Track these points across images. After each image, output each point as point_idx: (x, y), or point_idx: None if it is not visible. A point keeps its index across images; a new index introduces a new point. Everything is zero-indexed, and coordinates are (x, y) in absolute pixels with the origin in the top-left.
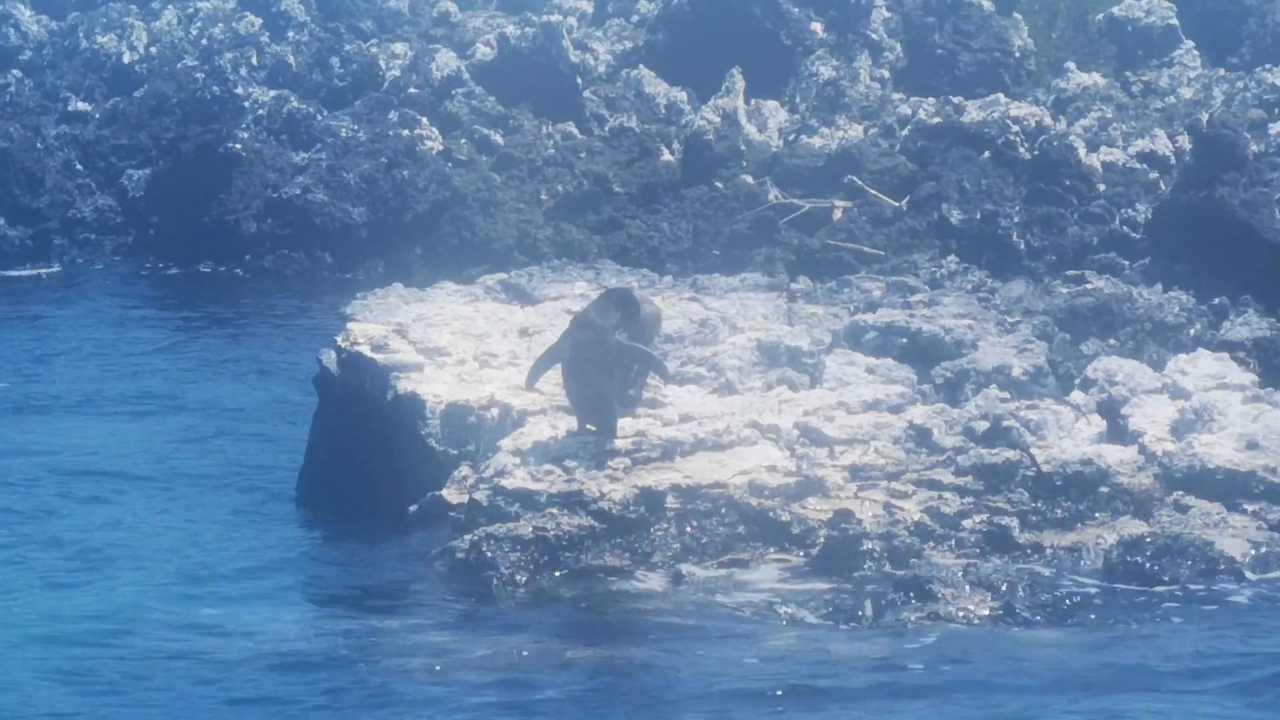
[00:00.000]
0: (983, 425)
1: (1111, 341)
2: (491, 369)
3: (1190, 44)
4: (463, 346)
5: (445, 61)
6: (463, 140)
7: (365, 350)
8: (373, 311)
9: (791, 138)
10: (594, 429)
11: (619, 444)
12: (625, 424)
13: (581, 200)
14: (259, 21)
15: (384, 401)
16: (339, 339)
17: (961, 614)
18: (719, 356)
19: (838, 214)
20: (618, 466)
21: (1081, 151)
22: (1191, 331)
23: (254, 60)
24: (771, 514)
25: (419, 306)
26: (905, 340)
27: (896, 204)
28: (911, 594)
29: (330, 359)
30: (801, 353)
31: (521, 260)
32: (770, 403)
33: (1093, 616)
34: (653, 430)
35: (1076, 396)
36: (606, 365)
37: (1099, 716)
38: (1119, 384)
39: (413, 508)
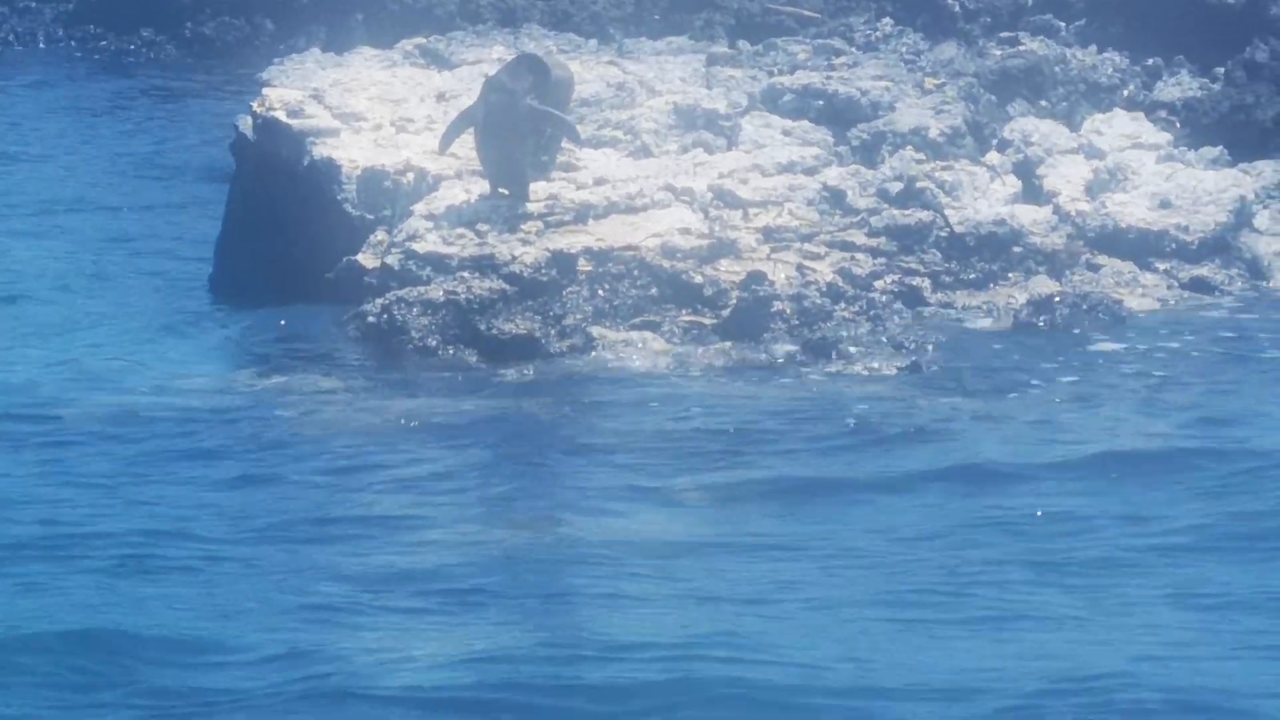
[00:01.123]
0: (897, 186)
1: (1043, 103)
2: (408, 134)
3: None
4: (379, 111)
5: None
6: None
7: (281, 116)
8: (289, 77)
9: None
10: (506, 193)
11: (531, 207)
12: (538, 187)
13: None
14: None
15: (300, 167)
16: (254, 105)
17: (869, 372)
18: (635, 120)
19: None
20: (530, 230)
21: None
22: (1125, 92)
23: None
24: (684, 276)
25: (336, 72)
26: (822, 102)
27: None
28: (820, 353)
29: (246, 125)
30: (718, 115)
31: (463, 25)
32: (685, 165)
33: (997, 374)
34: (566, 193)
35: (993, 157)
36: (518, 129)
37: (980, 467)
38: (1035, 144)
39: (329, 274)
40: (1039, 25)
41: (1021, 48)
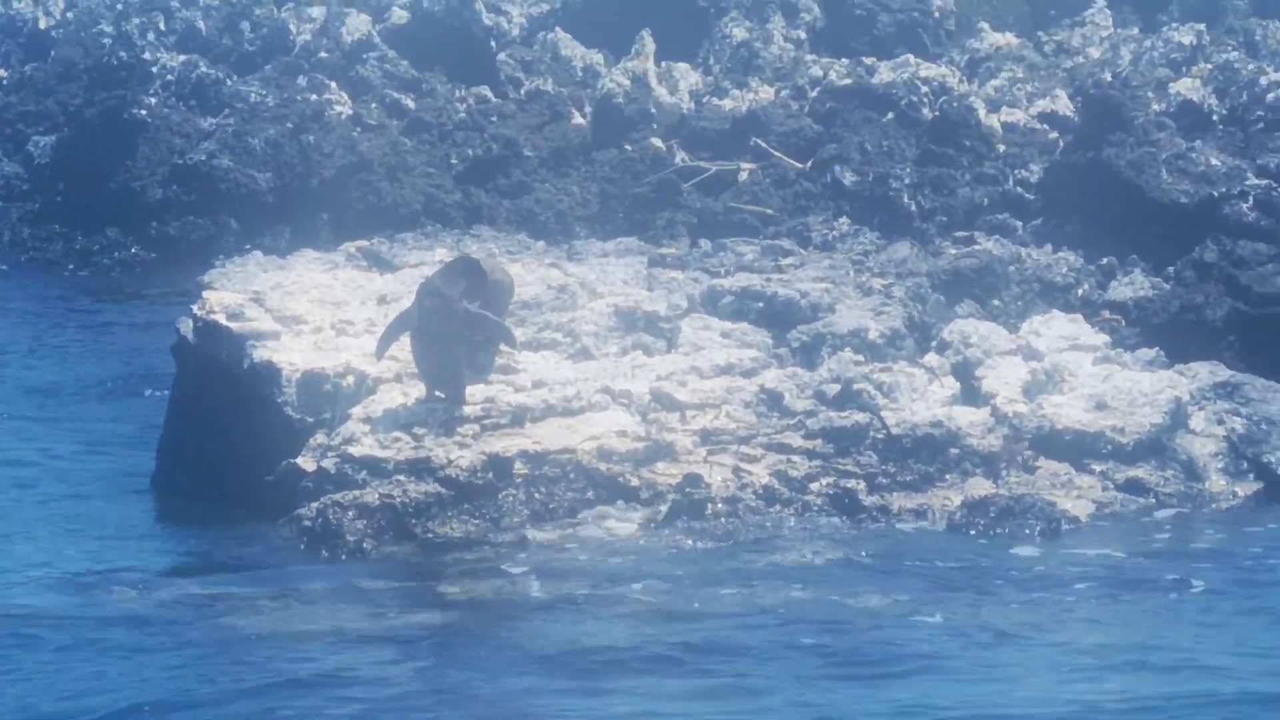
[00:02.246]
0: (834, 388)
1: (995, 303)
2: (348, 336)
3: (1102, 2)
4: (320, 314)
5: (356, 25)
6: (373, 104)
7: (221, 319)
8: (230, 280)
9: (703, 100)
10: (443, 396)
11: (468, 410)
12: (475, 390)
13: (491, 164)
14: None
15: (240, 370)
16: (195, 308)
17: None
18: (576, 322)
19: (743, 176)
20: (467, 433)
21: (981, 112)
22: (1080, 292)
23: (162, 25)
24: (620, 478)
25: (277, 274)
26: (761, 304)
27: (800, 165)
28: (752, 558)
29: (187, 327)
30: (659, 318)
31: (429, 225)
32: (624, 368)
33: (931, 576)
34: (503, 396)
35: (931, 359)
36: (454, 333)
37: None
38: (974, 346)
39: (269, 476)
40: (995, 224)
41: (976, 247)
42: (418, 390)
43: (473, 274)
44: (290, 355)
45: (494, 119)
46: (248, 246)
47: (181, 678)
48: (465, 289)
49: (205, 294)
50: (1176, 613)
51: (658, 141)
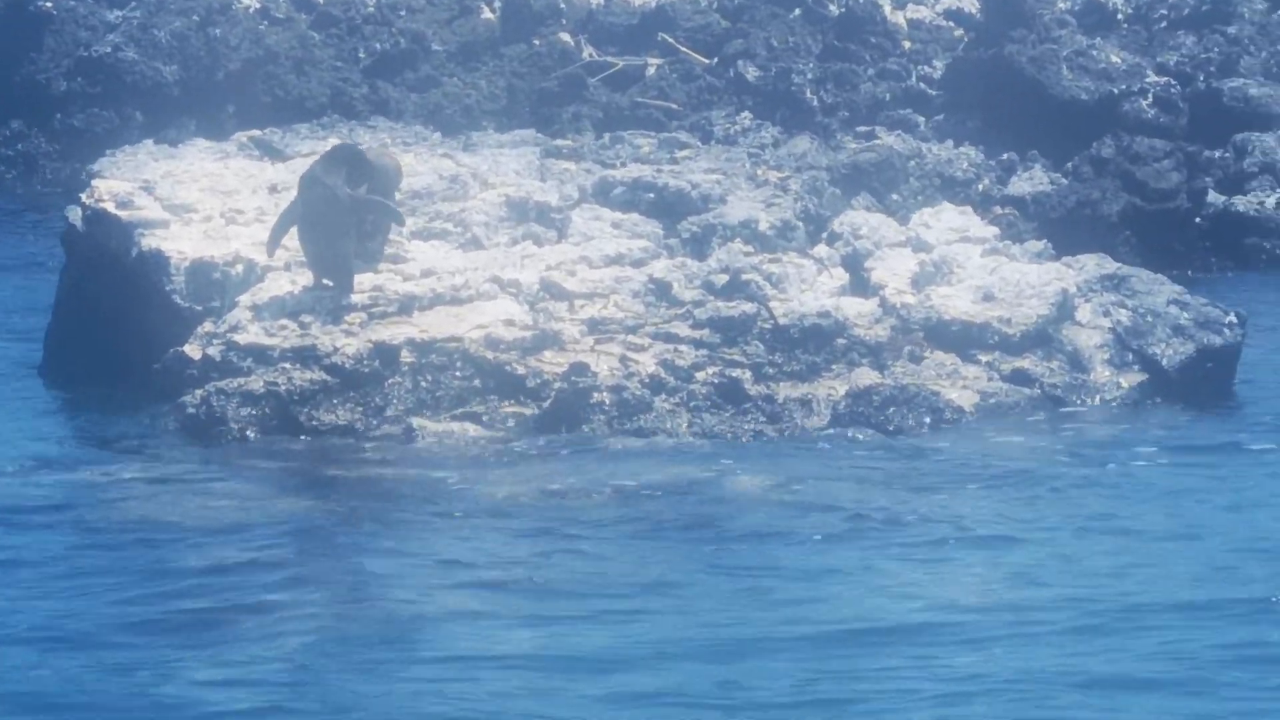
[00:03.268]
0: (722, 279)
1: (895, 197)
2: (238, 225)
3: None
4: (210, 203)
5: None
6: None
7: (110, 207)
8: (121, 168)
9: None
10: (330, 284)
11: (355, 299)
12: (363, 279)
13: (399, 58)
14: None
15: (129, 259)
16: (84, 196)
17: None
18: (466, 212)
19: (650, 71)
20: (354, 321)
21: (888, 8)
22: (980, 187)
23: None
24: (507, 367)
25: (168, 163)
26: (653, 195)
27: (706, 61)
28: (634, 445)
29: (76, 216)
30: (550, 208)
31: (336, 117)
32: (513, 258)
33: (814, 464)
34: (391, 285)
35: (821, 250)
36: (339, 220)
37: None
38: (864, 238)
39: (156, 365)
40: (897, 120)
41: (876, 142)
42: (305, 279)
43: (352, 160)
44: (179, 244)
45: (402, 13)
46: (152, 139)
47: (65, 566)
48: (347, 175)
49: (94, 182)
50: (1048, 507)
51: (566, 36)
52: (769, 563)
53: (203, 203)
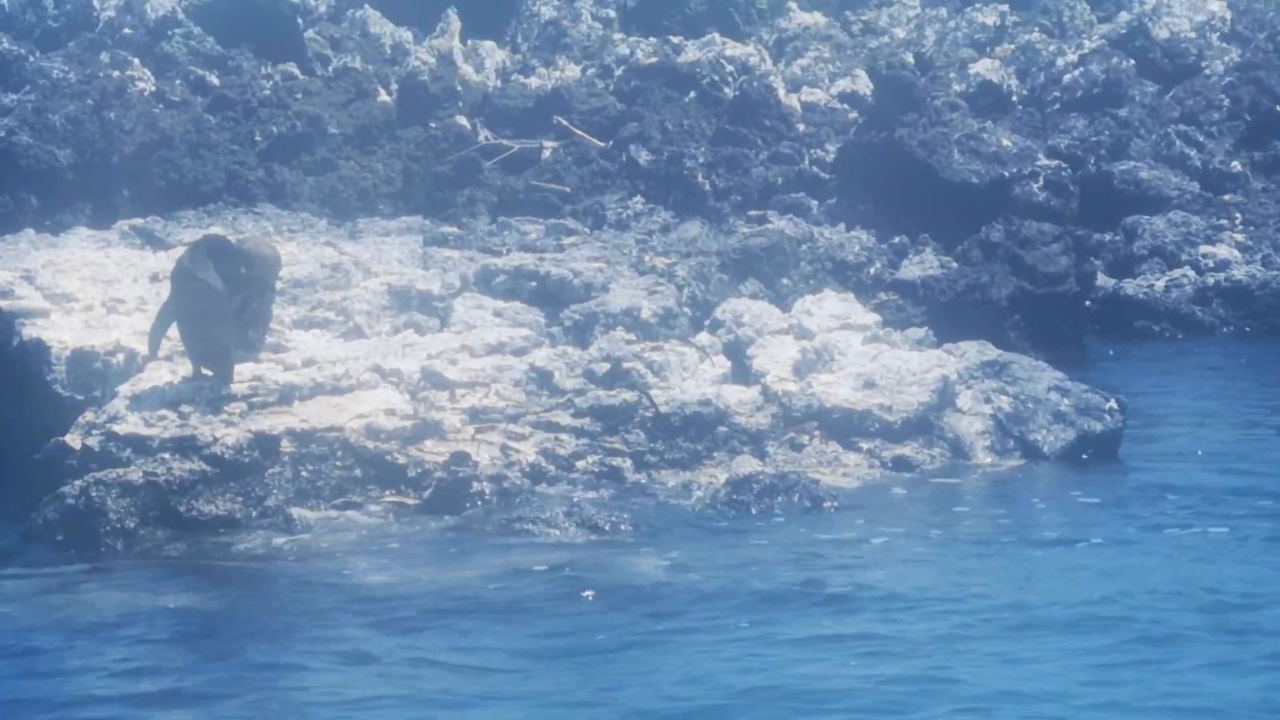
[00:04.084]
0: (604, 367)
1: (786, 282)
2: (119, 314)
3: None
4: (91, 292)
5: (161, 2)
6: (177, 81)
7: None
8: (1, 258)
9: (510, 78)
10: (210, 374)
11: (236, 388)
12: (244, 369)
13: (295, 141)
14: None
15: (10, 348)
16: None
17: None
18: (348, 301)
19: (546, 154)
20: (234, 411)
21: (781, 91)
22: (872, 270)
23: None
24: (387, 457)
25: (49, 252)
26: (535, 284)
27: (601, 144)
28: (513, 533)
29: None
30: (432, 296)
31: (232, 202)
32: (395, 347)
33: (691, 551)
34: (271, 374)
35: (703, 338)
36: (216, 311)
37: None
38: (745, 325)
39: (37, 455)
40: (789, 204)
41: (768, 226)
42: (186, 368)
43: (217, 252)
44: (60, 333)
45: (299, 96)
46: (34, 229)
47: None
48: (216, 265)
49: None
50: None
51: (462, 119)
52: (658, 639)
53: (84, 292)
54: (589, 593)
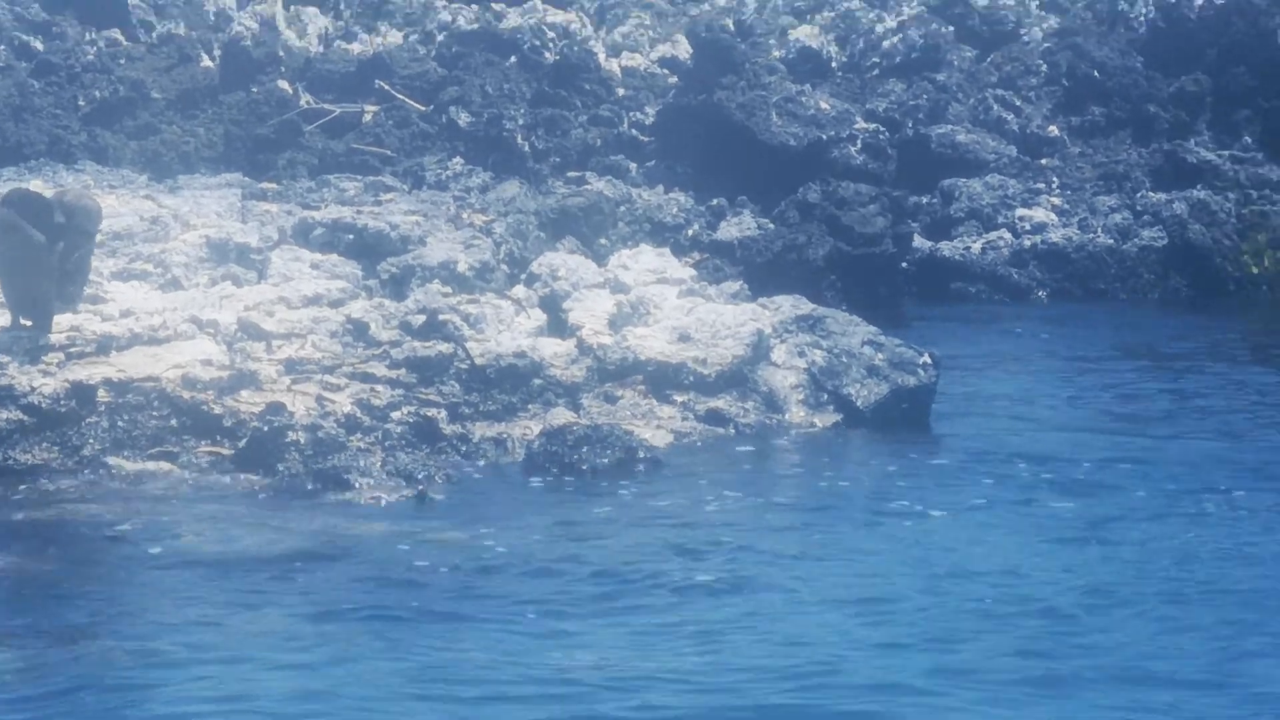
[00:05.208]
0: (420, 319)
1: (603, 242)
2: None
3: None
4: None
5: None
6: (0, 47)
7: None
8: None
9: (332, 44)
10: (29, 323)
11: (54, 338)
12: (61, 319)
13: (118, 106)
14: None
15: None
16: None
17: (373, 502)
18: (167, 253)
19: (367, 118)
20: (51, 361)
21: (601, 56)
22: (690, 231)
23: None
24: (204, 407)
25: None
26: (352, 237)
27: (422, 107)
28: (328, 483)
29: None
30: (250, 249)
31: (43, 162)
32: (212, 299)
33: (502, 505)
34: (89, 325)
35: (519, 291)
36: (35, 261)
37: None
38: (562, 279)
39: None
40: (608, 165)
41: (586, 187)
42: (3, 319)
43: (27, 203)
44: None
45: (123, 61)
46: None
47: None
48: (30, 218)
49: None
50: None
51: (284, 84)
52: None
53: None
54: (409, 556)
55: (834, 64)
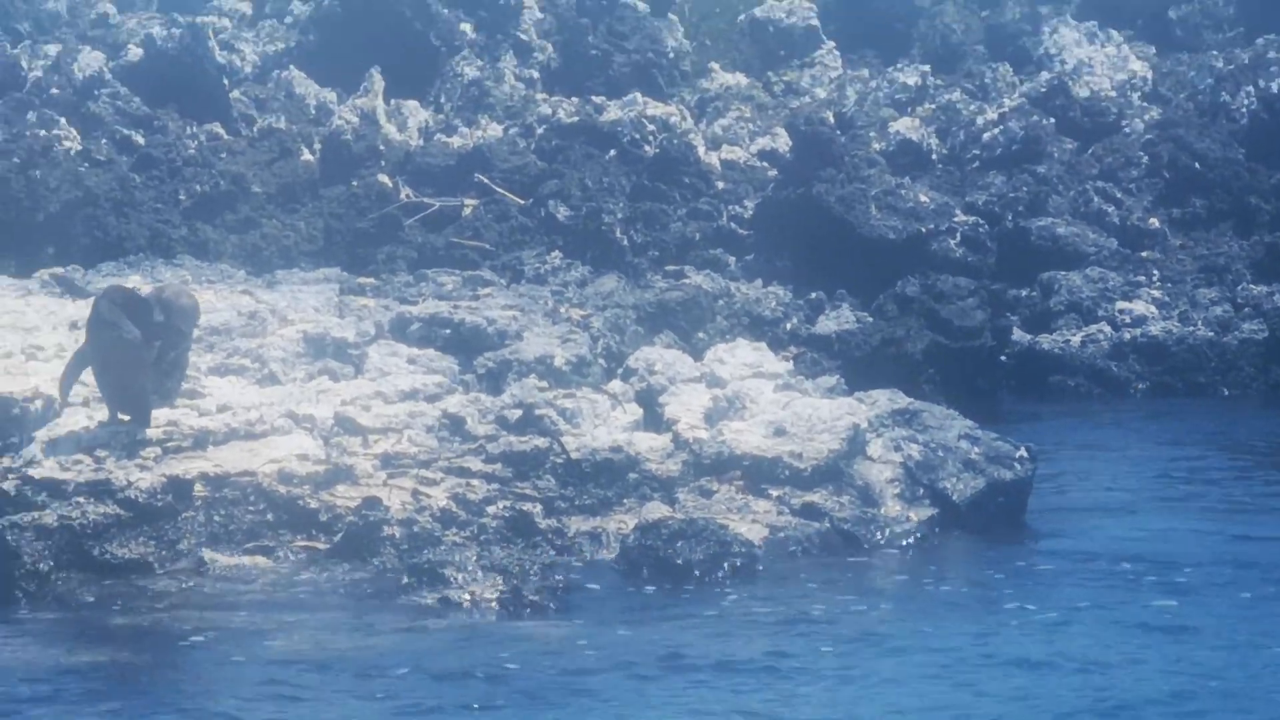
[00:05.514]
0: (516, 414)
1: (701, 336)
2: (38, 361)
3: (831, 44)
4: (10, 339)
5: (89, 62)
6: (103, 140)
7: None
8: None
9: (432, 137)
10: (127, 418)
11: (151, 433)
12: (159, 414)
13: (219, 200)
14: None
15: None
16: None
17: (470, 598)
18: (264, 349)
19: (466, 211)
20: (148, 456)
21: (701, 149)
22: (788, 325)
23: None
24: (300, 502)
25: None
26: (449, 331)
27: (521, 201)
28: (424, 578)
29: None
30: (347, 344)
31: (141, 257)
32: (309, 393)
33: (598, 601)
34: (186, 420)
35: (615, 386)
36: (132, 358)
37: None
38: (658, 373)
39: None
40: (707, 259)
41: (685, 281)
42: (102, 414)
43: (125, 300)
44: None
45: (224, 155)
46: None
47: None
48: (130, 315)
49: None
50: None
51: (384, 178)
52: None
53: (2, 339)
54: (504, 654)
55: (934, 156)
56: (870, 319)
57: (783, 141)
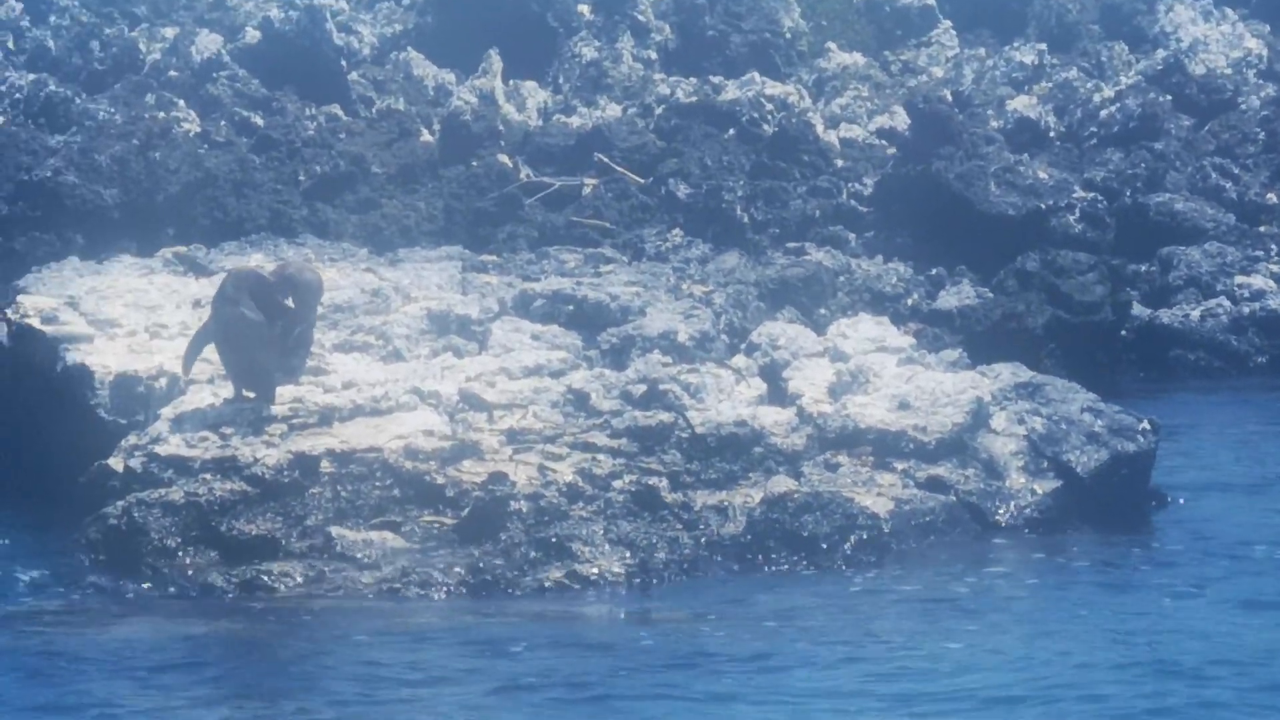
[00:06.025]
0: (640, 389)
1: (823, 311)
2: (162, 339)
3: (947, 24)
4: (134, 318)
5: (206, 44)
6: (221, 122)
7: (34, 323)
8: (46, 284)
9: (551, 117)
10: (252, 396)
11: (276, 410)
12: (284, 391)
13: (339, 181)
14: (19, 6)
15: (54, 373)
16: (9, 312)
17: (597, 572)
18: (388, 325)
19: (586, 191)
20: (274, 432)
21: (820, 128)
22: (909, 301)
23: (11, 44)
24: (426, 477)
25: (93, 279)
26: (572, 308)
27: (640, 180)
28: (550, 552)
29: (1, 332)
30: (471, 321)
31: (263, 236)
32: (434, 370)
33: (725, 577)
34: (311, 396)
35: (739, 360)
36: (255, 336)
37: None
38: (781, 348)
39: (81, 477)
40: (827, 236)
41: (805, 258)
42: (227, 391)
43: (249, 280)
44: (104, 358)
45: (343, 136)
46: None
47: None
48: (254, 296)
49: (19, 298)
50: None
51: (504, 158)
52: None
53: (127, 317)
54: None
55: (1052, 134)
56: (991, 294)
57: (901, 120)
